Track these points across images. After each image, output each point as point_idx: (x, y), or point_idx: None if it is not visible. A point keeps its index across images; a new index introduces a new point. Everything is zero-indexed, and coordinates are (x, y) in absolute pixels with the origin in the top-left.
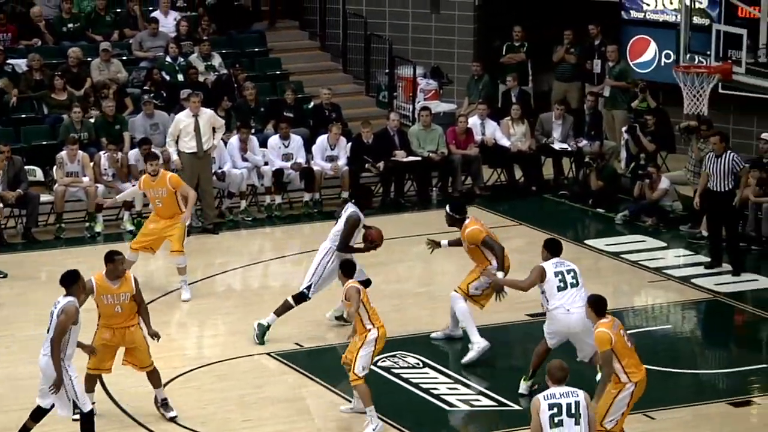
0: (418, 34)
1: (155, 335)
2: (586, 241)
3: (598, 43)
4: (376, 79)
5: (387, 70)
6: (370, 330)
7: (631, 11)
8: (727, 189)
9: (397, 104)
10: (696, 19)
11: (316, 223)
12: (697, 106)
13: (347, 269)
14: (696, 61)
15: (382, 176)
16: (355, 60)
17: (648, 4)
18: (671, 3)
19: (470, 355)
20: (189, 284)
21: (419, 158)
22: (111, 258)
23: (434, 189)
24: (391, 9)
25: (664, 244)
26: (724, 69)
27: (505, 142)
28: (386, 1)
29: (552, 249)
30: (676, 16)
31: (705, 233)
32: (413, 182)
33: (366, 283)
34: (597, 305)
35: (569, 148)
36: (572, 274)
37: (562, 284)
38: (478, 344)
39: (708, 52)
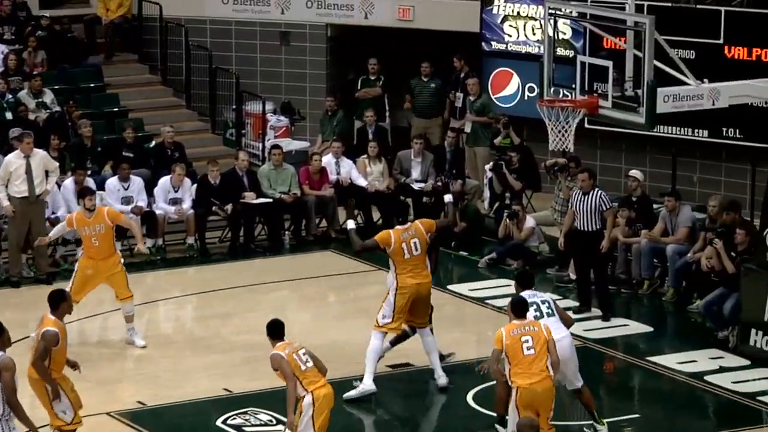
0: (267, 68)
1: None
2: (449, 287)
3: (463, 76)
4: (222, 115)
5: (234, 106)
6: (304, 396)
7: (492, 42)
8: (594, 229)
9: (245, 142)
10: (560, 51)
11: (160, 272)
12: (562, 142)
13: (273, 330)
14: (561, 95)
15: (231, 220)
16: (200, 95)
17: (510, 35)
18: (534, 34)
19: (352, 393)
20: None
21: (270, 200)
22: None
23: (286, 233)
24: (238, 41)
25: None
26: (590, 103)
27: (361, 181)
28: (232, 33)
29: (522, 282)
30: (538, 47)
31: (573, 276)
32: (264, 226)
33: None
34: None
35: (429, 188)
36: (547, 304)
37: (538, 313)
38: (365, 386)
39: (573, 86)
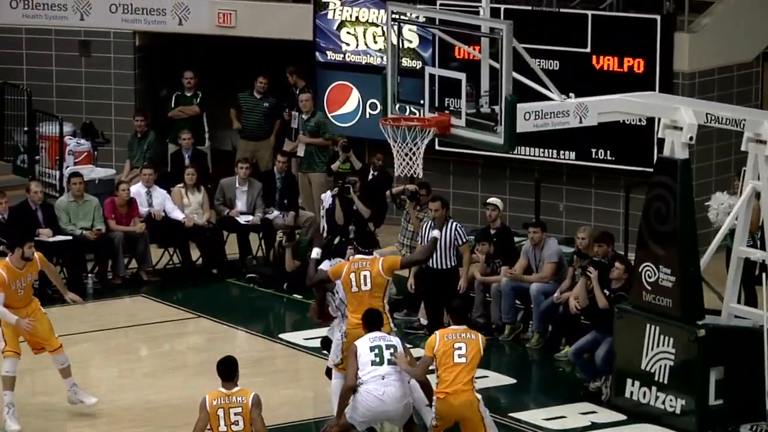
0: (64, 83)
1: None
2: (282, 335)
3: (298, 92)
4: (12, 139)
5: (26, 128)
6: None
7: (327, 52)
8: (449, 266)
9: (39, 170)
10: (405, 62)
11: None
12: (410, 166)
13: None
14: (407, 113)
15: None
16: None
17: (347, 44)
18: (375, 42)
19: None
20: None
21: (70, 237)
22: None
23: (90, 275)
24: (30, 52)
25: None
26: (441, 121)
27: (177, 214)
28: (23, 42)
29: (368, 322)
30: (381, 57)
31: (424, 321)
32: (63, 268)
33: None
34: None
35: (257, 221)
36: (392, 350)
37: (378, 359)
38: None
39: (421, 102)
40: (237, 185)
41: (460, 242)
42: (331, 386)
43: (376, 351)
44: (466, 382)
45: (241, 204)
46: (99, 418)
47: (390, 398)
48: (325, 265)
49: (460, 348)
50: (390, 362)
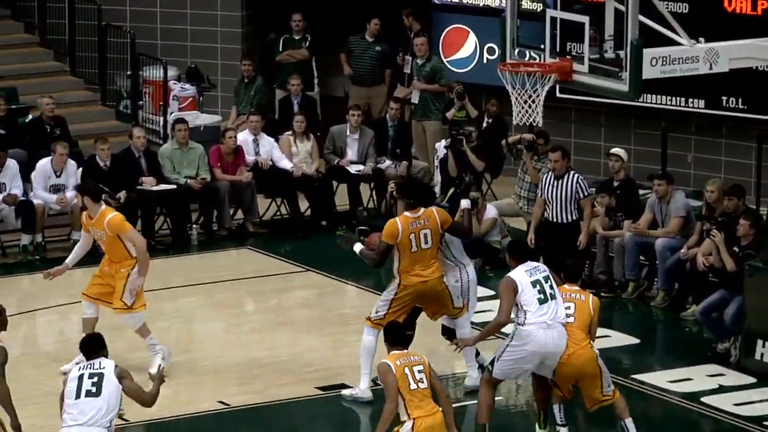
0: (168, 25)
1: None
2: None
3: (413, 36)
4: (115, 83)
5: (129, 72)
6: (404, 423)
7: None
8: (569, 220)
9: (143, 116)
10: (525, 4)
11: (37, 274)
12: (529, 115)
13: (392, 334)
14: (527, 58)
15: (125, 210)
16: (87, 59)
17: None
18: None
19: (345, 392)
20: None
21: (174, 186)
22: None
23: (194, 226)
24: None
25: (492, 293)
26: (562, 67)
27: (285, 163)
28: None
29: (520, 254)
30: (500, 0)
31: None
32: (167, 218)
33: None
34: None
35: (368, 171)
36: (549, 283)
37: (542, 296)
38: (361, 392)
39: (542, 46)
40: (348, 133)
41: (582, 195)
42: (363, 343)
43: (539, 286)
44: (582, 340)
45: (351, 153)
46: (204, 376)
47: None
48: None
49: (568, 308)
50: (552, 297)
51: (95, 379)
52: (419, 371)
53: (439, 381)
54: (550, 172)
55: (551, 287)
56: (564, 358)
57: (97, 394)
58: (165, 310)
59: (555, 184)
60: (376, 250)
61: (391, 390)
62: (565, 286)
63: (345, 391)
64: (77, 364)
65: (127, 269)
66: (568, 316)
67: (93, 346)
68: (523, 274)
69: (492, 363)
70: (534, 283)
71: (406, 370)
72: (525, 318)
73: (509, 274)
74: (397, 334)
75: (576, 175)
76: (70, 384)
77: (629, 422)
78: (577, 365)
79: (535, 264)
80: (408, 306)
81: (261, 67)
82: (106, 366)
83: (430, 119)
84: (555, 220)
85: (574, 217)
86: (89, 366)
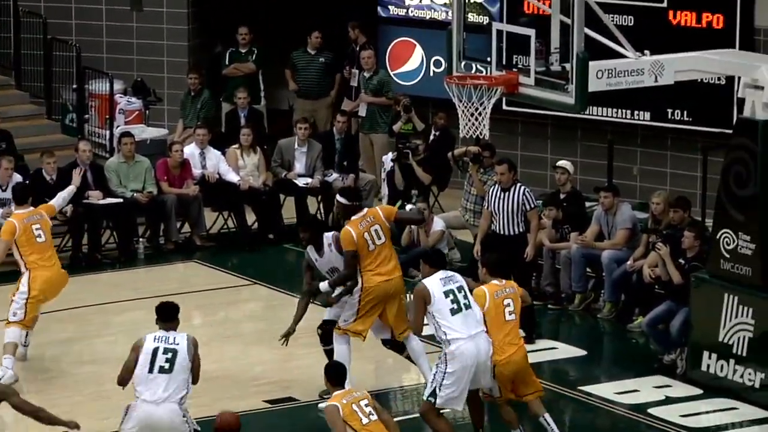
0: (115, 38)
1: None
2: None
3: (359, 49)
4: (61, 97)
5: (75, 86)
6: None
7: (389, 7)
8: (516, 232)
9: (89, 130)
10: (472, 17)
11: None
12: (476, 127)
13: (332, 374)
14: (473, 71)
15: (71, 224)
16: (33, 73)
17: None
18: None
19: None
20: None
21: (120, 200)
22: None
23: (141, 240)
24: (79, 6)
25: None
26: (509, 80)
27: (232, 176)
28: None
29: (433, 261)
30: (446, 12)
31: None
32: (113, 232)
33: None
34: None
35: (316, 184)
36: (463, 293)
37: (455, 306)
38: None
39: (488, 59)
40: (296, 146)
41: (528, 207)
42: (337, 353)
43: (452, 296)
44: (519, 337)
45: (299, 166)
46: None
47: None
48: None
49: (508, 305)
50: (467, 307)
51: (169, 355)
52: (366, 405)
53: (385, 412)
54: (496, 185)
55: (465, 297)
56: (506, 358)
57: (170, 370)
58: (111, 323)
59: (501, 196)
60: (344, 263)
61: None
62: (494, 282)
63: (322, 405)
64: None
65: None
66: (510, 313)
67: (169, 313)
68: (436, 283)
69: (433, 395)
70: (447, 293)
71: (354, 407)
72: (446, 336)
73: (422, 281)
74: (337, 373)
75: (522, 187)
76: (143, 356)
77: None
78: (519, 362)
79: (450, 273)
80: (374, 311)
81: (207, 80)
82: (180, 342)
83: (378, 132)
84: (501, 232)
85: (521, 230)
86: (164, 340)
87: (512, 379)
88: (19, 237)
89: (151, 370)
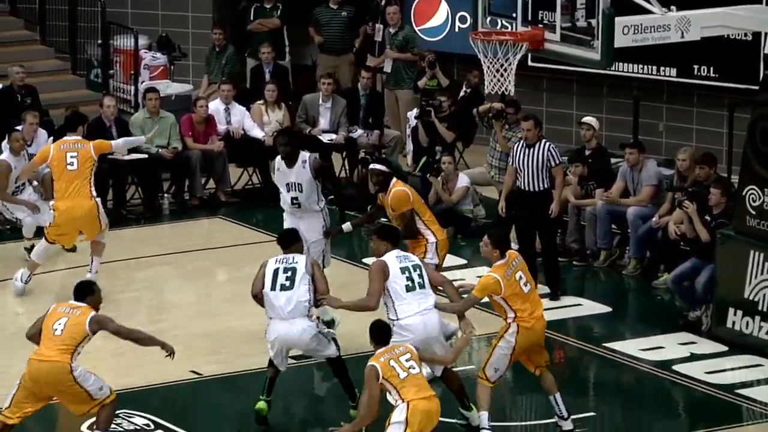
0: None
1: None
2: (365, 260)
3: (384, 3)
4: (85, 52)
5: (100, 41)
6: (396, 407)
7: None
8: (541, 188)
9: (114, 85)
10: None
11: (7, 245)
12: (501, 83)
13: (377, 333)
14: (499, 26)
15: (97, 179)
16: (57, 28)
17: None
18: None
19: None
20: None
21: (145, 155)
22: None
23: (166, 196)
24: None
25: (464, 261)
26: (534, 36)
27: (257, 132)
28: None
29: (390, 237)
30: None
31: (515, 246)
32: (138, 187)
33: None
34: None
35: (341, 140)
36: (419, 272)
37: (410, 283)
38: None
39: (513, 15)
40: (320, 102)
41: (553, 163)
42: None
43: (407, 273)
44: (540, 307)
45: (324, 122)
46: (174, 345)
47: (433, 319)
48: None
49: (521, 278)
50: (420, 286)
51: (289, 274)
52: (407, 359)
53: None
54: (521, 141)
55: (420, 276)
56: (528, 323)
57: (291, 287)
58: (136, 279)
59: (526, 152)
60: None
61: (369, 398)
62: (500, 262)
63: None
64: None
65: None
66: (525, 284)
67: (289, 239)
68: (393, 259)
69: None
70: (403, 270)
71: (392, 363)
72: (396, 313)
73: (381, 257)
74: (380, 332)
75: (548, 143)
76: (267, 277)
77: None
78: (538, 332)
79: (405, 253)
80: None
81: (232, 36)
82: (299, 261)
83: (403, 88)
84: (526, 188)
85: (546, 186)
86: (284, 261)
87: (527, 348)
88: (51, 162)
89: (273, 288)
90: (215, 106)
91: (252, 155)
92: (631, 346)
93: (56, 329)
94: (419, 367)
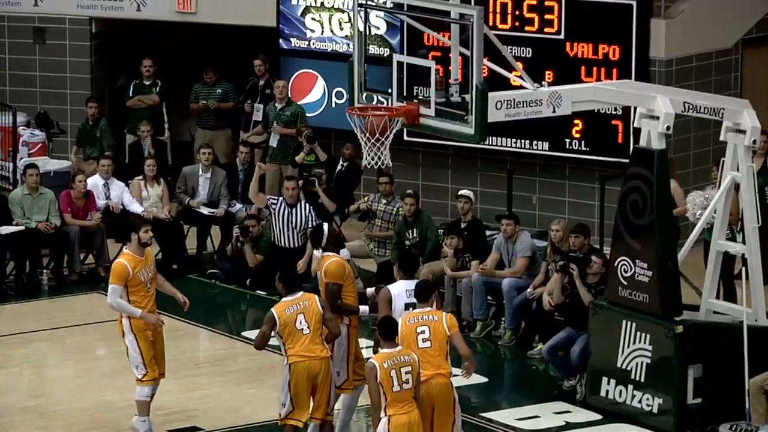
0: (18, 71)
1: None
2: (244, 333)
3: (263, 83)
4: None
5: None
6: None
7: (291, 39)
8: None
9: None
10: (372, 49)
11: None
12: (378, 157)
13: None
14: (375, 102)
15: None
16: None
17: (312, 30)
18: (341, 29)
19: None
20: None
21: (22, 228)
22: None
23: (45, 271)
24: None
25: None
26: (409, 111)
27: (136, 207)
28: None
29: (406, 267)
30: (347, 45)
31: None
32: (16, 263)
33: None
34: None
35: (221, 213)
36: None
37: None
38: None
39: (389, 90)
40: (200, 172)
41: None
42: None
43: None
44: (440, 366)
45: (203, 193)
46: (55, 420)
47: None
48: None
49: (423, 332)
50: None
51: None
52: (406, 372)
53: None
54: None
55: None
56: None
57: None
58: (15, 355)
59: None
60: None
61: (372, 396)
62: (415, 310)
63: None
64: None
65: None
66: (424, 341)
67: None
68: (402, 292)
69: None
70: (408, 306)
71: (392, 373)
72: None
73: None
74: (387, 328)
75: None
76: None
77: None
78: (432, 393)
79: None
80: None
81: (111, 112)
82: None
83: (288, 162)
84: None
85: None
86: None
87: (428, 410)
88: None
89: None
90: (94, 182)
91: (131, 230)
92: (507, 416)
93: None
94: (413, 382)
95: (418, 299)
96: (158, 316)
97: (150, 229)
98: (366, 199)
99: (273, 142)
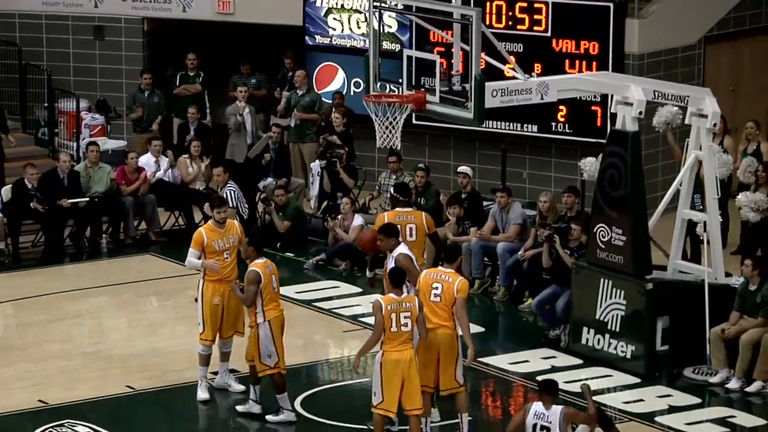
0: (80, 64)
1: None
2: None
3: (291, 75)
4: (34, 114)
5: (46, 104)
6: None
7: (316, 36)
8: None
9: (59, 142)
10: (386, 45)
11: None
12: (390, 138)
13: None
14: (387, 90)
15: (44, 221)
16: (9, 93)
17: (334, 29)
18: (358, 27)
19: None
20: None
21: (86, 200)
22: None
23: (104, 236)
24: (49, 36)
25: (360, 290)
26: (417, 98)
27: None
28: (43, 27)
29: (395, 279)
30: (364, 41)
31: None
32: (78, 229)
33: None
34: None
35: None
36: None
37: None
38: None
39: (400, 80)
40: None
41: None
42: None
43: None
44: (446, 318)
45: (248, 126)
46: (113, 362)
47: None
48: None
49: (437, 288)
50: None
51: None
52: (405, 317)
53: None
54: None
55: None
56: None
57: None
58: (78, 308)
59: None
60: None
61: (376, 326)
62: (440, 267)
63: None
64: None
65: None
66: (435, 295)
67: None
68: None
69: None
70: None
71: (393, 315)
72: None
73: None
74: (396, 276)
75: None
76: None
77: (465, 416)
78: (436, 342)
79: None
80: None
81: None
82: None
83: (306, 142)
84: None
85: None
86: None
87: (434, 357)
88: None
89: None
90: (146, 160)
91: (177, 201)
92: (501, 360)
93: None
94: (411, 326)
95: (446, 260)
96: (220, 265)
97: (222, 211)
98: (368, 198)
99: (292, 122)
